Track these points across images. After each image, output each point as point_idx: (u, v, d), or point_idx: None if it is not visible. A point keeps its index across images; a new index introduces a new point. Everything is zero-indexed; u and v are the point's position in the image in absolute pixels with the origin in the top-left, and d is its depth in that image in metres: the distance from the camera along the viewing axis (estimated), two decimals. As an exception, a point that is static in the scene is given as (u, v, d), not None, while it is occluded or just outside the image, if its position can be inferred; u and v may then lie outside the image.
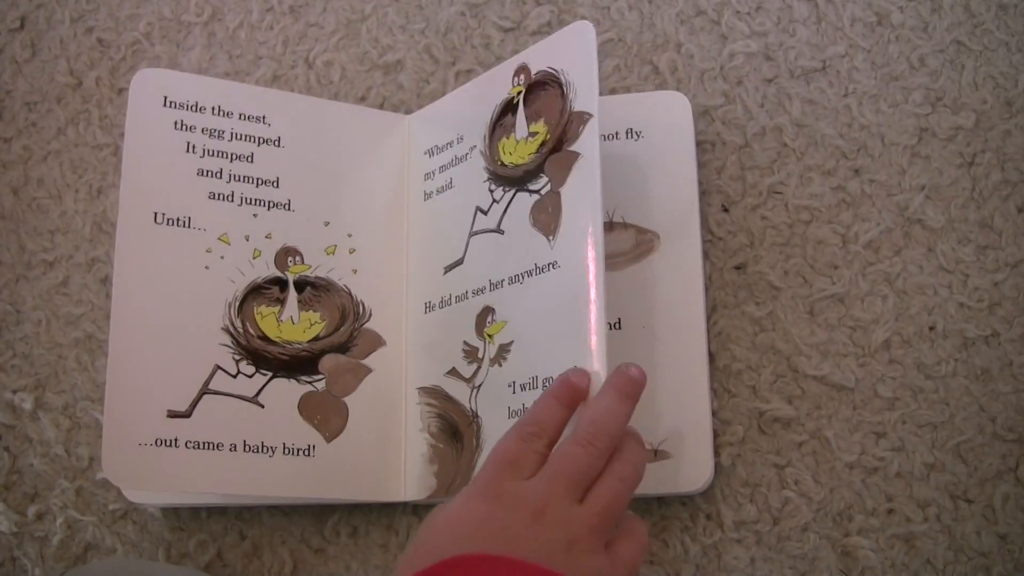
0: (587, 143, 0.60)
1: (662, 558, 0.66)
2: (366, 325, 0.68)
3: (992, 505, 0.65)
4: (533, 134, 0.63)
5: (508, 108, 0.66)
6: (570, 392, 0.56)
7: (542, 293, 0.60)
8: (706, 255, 0.69)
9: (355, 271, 0.68)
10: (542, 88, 0.63)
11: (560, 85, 0.62)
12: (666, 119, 0.68)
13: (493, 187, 0.65)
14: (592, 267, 0.58)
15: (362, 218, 0.70)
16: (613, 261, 0.66)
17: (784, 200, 0.69)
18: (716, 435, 0.66)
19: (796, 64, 0.71)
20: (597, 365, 0.56)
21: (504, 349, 0.62)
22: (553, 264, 0.60)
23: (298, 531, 0.69)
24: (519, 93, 0.65)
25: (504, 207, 0.64)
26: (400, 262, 0.70)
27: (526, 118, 0.64)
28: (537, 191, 0.62)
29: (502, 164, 0.64)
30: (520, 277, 0.62)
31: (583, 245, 0.59)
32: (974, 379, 0.66)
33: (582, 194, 0.59)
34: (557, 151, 0.61)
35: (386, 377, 0.67)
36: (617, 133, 0.68)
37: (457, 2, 0.75)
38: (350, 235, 0.69)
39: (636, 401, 0.55)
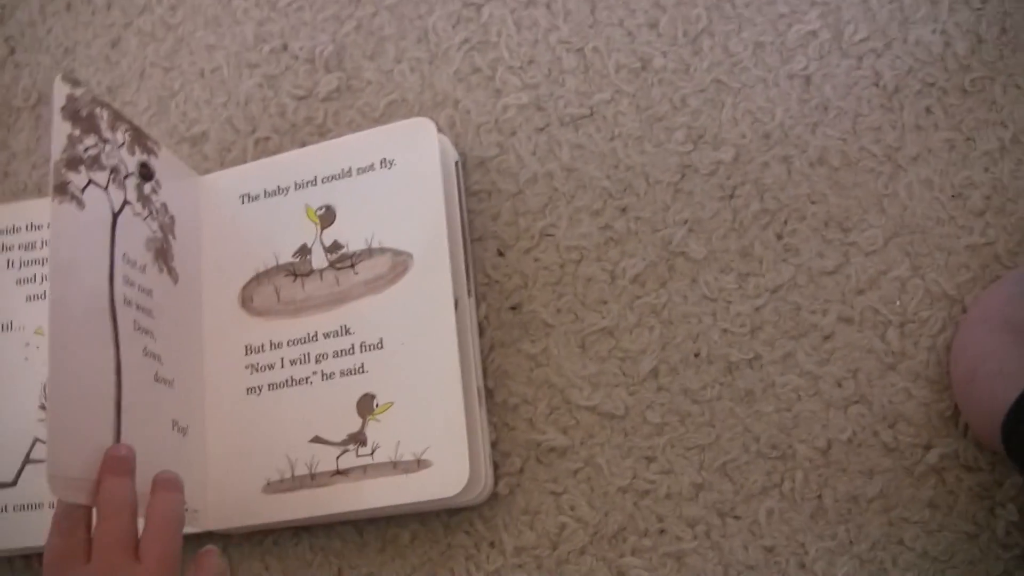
0: None
1: (448, 587, 0.69)
2: None
3: (758, 520, 0.68)
4: None
5: None
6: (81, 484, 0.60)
7: None
8: (483, 297, 0.73)
9: None
10: None
11: None
12: (415, 144, 0.73)
13: None
14: None
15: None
16: (374, 284, 0.72)
17: (555, 242, 0.73)
18: (496, 466, 0.70)
19: (565, 112, 0.75)
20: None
21: None
22: None
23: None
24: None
25: None
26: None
27: None
28: None
29: None
30: None
31: None
32: (738, 401, 0.69)
33: None
34: None
35: None
36: (373, 165, 0.74)
37: (255, 75, 0.80)
38: None
39: (132, 472, 0.61)
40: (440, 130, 0.76)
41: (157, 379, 0.69)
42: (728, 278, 0.72)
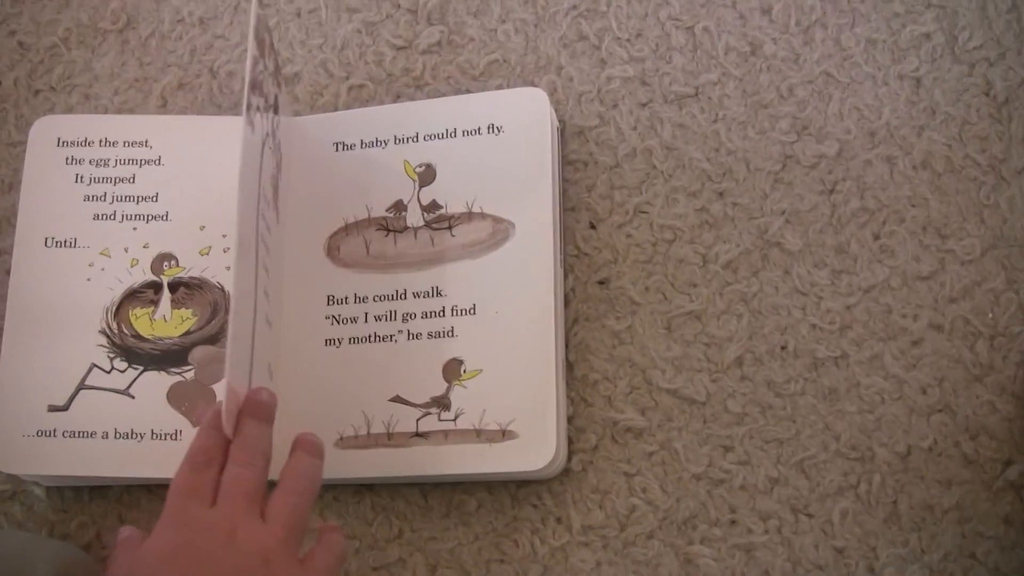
0: None
1: (512, 557, 0.69)
2: None
3: (831, 520, 0.67)
4: None
5: None
6: (219, 419, 0.60)
7: None
8: (571, 269, 0.72)
9: (229, 268, 0.72)
10: None
11: None
12: (525, 114, 0.73)
13: None
14: None
15: None
16: (472, 249, 0.71)
17: (649, 219, 0.72)
18: (571, 441, 0.69)
19: (670, 89, 0.74)
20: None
21: None
22: None
23: (174, 518, 0.72)
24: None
25: None
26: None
27: None
28: None
29: None
30: None
31: None
32: (821, 398, 0.69)
33: None
34: None
35: None
36: (479, 128, 0.73)
37: (354, 20, 0.78)
38: (224, 235, 0.74)
39: (272, 421, 0.61)
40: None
41: (268, 320, 0.69)
42: (821, 273, 0.71)
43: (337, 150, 0.75)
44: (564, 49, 0.77)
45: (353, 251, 0.73)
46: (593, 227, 0.73)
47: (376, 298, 0.71)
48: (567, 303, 0.72)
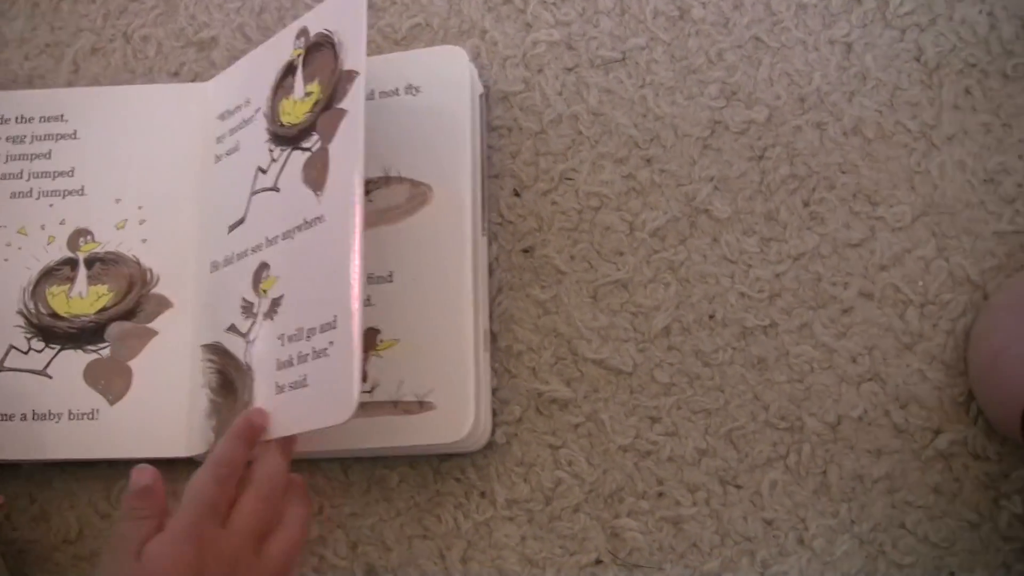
0: (353, 100, 0.63)
1: (434, 532, 0.67)
2: (153, 290, 0.70)
3: (760, 491, 0.66)
4: (308, 94, 0.67)
5: (289, 70, 0.69)
6: (253, 432, 0.62)
7: (309, 247, 0.64)
8: (495, 237, 0.70)
9: (144, 240, 0.72)
10: (318, 50, 0.67)
11: (333, 46, 0.66)
12: (444, 73, 0.71)
13: (272, 147, 0.68)
14: (355, 220, 0.61)
15: (153, 189, 0.74)
16: (388, 215, 0.69)
17: (575, 186, 0.71)
18: (495, 413, 0.67)
19: (597, 54, 0.73)
20: (356, 321, 0.59)
21: (276, 303, 0.65)
22: (319, 219, 0.63)
23: (86, 496, 0.71)
24: (299, 55, 0.68)
25: (281, 165, 0.67)
26: (190, 226, 0.72)
27: (303, 79, 0.68)
28: (308, 148, 0.63)
29: (281, 124, 0.68)
30: (291, 233, 0.64)
31: (347, 199, 0.62)
32: (750, 368, 0.67)
33: (347, 149, 0.62)
34: (328, 109, 0.64)
35: (171, 338, 0.71)
36: (397, 89, 0.71)
37: (273, -18, 0.76)
38: (140, 207, 0.73)
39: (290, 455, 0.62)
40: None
41: None
42: (750, 241, 0.69)
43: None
44: (489, 12, 0.75)
45: None
46: (517, 194, 0.72)
47: None
48: (491, 272, 0.70)
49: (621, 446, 0.68)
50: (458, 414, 0.65)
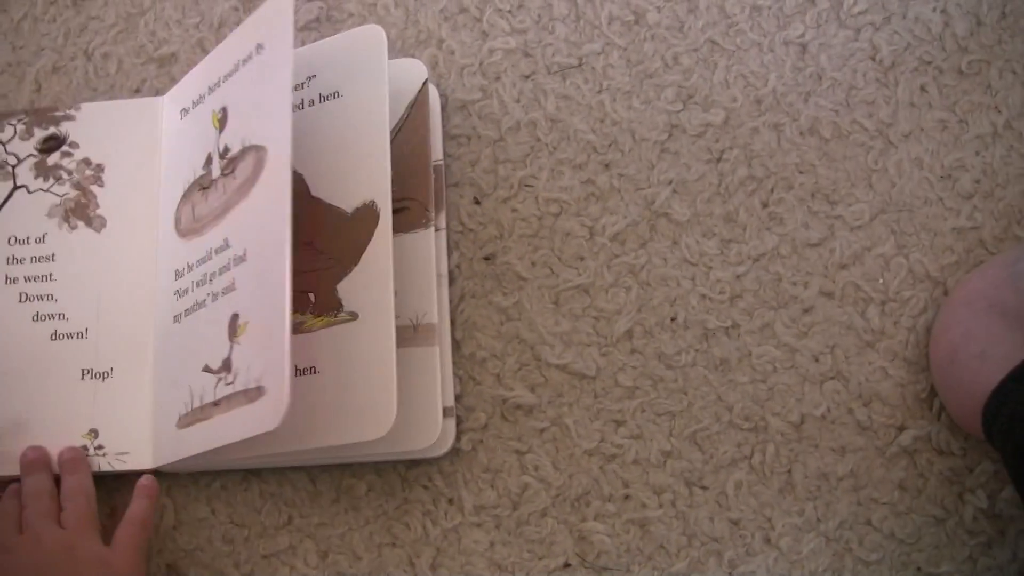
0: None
1: (403, 540, 0.68)
2: None
3: (726, 491, 0.67)
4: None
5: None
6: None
7: None
8: (456, 245, 0.71)
9: None
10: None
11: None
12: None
13: None
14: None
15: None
16: (243, 188, 0.66)
17: (535, 193, 0.71)
18: (460, 421, 0.69)
19: (553, 60, 0.73)
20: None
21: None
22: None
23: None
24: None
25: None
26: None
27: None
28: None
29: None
30: None
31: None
32: (713, 369, 0.68)
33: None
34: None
35: None
36: (250, 55, 0.68)
37: (230, -3, 0.76)
38: None
39: (48, 465, 0.69)
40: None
41: (55, 337, 0.70)
42: (710, 243, 0.70)
43: (181, 118, 0.73)
44: (445, 22, 0.75)
45: (186, 218, 0.70)
46: (478, 202, 0.72)
47: (197, 263, 0.68)
48: (453, 280, 0.70)
49: (586, 450, 0.68)
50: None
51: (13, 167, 0.73)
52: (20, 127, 0.74)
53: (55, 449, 0.69)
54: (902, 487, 0.67)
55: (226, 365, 0.63)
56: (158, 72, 0.77)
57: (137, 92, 0.76)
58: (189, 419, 0.65)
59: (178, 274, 0.69)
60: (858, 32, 0.73)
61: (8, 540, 0.65)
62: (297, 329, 0.65)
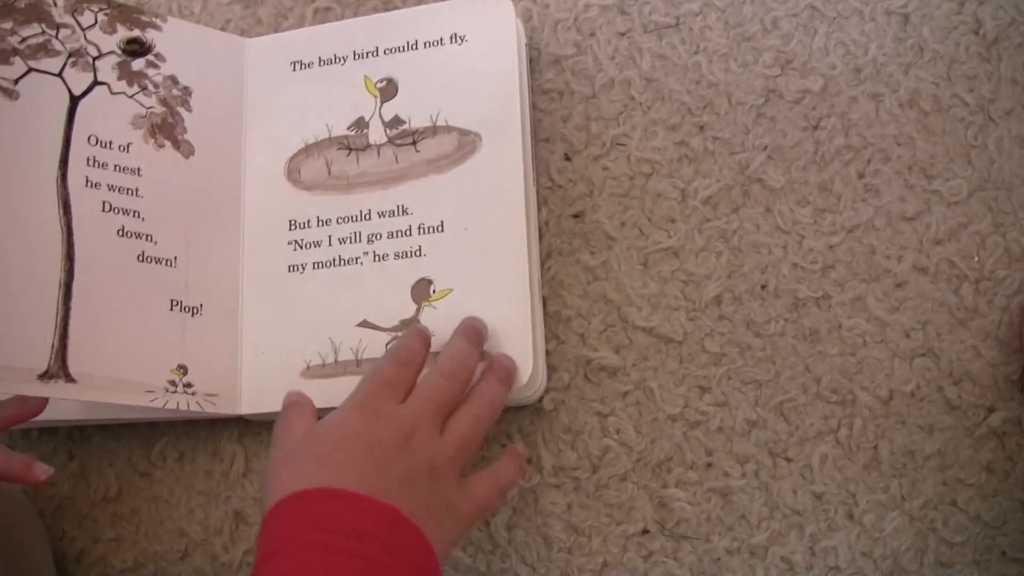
0: None
1: (478, 500, 0.65)
2: None
3: (810, 464, 0.65)
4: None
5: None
6: (427, 336, 0.63)
7: None
8: (545, 201, 0.70)
9: None
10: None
11: None
12: (489, 21, 0.70)
13: None
14: None
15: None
16: (437, 164, 0.69)
17: (627, 152, 0.69)
18: (542, 380, 0.66)
19: (650, 19, 0.72)
20: None
21: None
22: None
23: (125, 454, 0.69)
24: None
25: None
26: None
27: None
28: None
29: None
30: None
31: None
32: (802, 339, 0.66)
33: None
34: None
35: None
36: (441, 39, 0.71)
37: (321, -60, 0.75)
38: None
39: (482, 348, 0.63)
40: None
41: (143, 259, 0.66)
42: (804, 211, 0.68)
43: (294, 70, 0.72)
44: (541, -26, 0.74)
45: (314, 173, 0.70)
46: (568, 159, 0.71)
47: (340, 220, 0.69)
48: (540, 236, 0.69)
49: (670, 415, 0.67)
50: (517, 359, 0.64)
51: (94, 59, 0.68)
52: (102, 17, 0.69)
53: (143, 377, 0.65)
54: (989, 469, 0.65)
55: (408, 325, 0.66)
56: (243, 13, 0.76)
57: (222, 30, 0.75)
58: (327, 371, 0.66)
59: (296, 224, 0.69)
60: (962, 5, 0.71)
61: (387, 400, 0.58)
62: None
